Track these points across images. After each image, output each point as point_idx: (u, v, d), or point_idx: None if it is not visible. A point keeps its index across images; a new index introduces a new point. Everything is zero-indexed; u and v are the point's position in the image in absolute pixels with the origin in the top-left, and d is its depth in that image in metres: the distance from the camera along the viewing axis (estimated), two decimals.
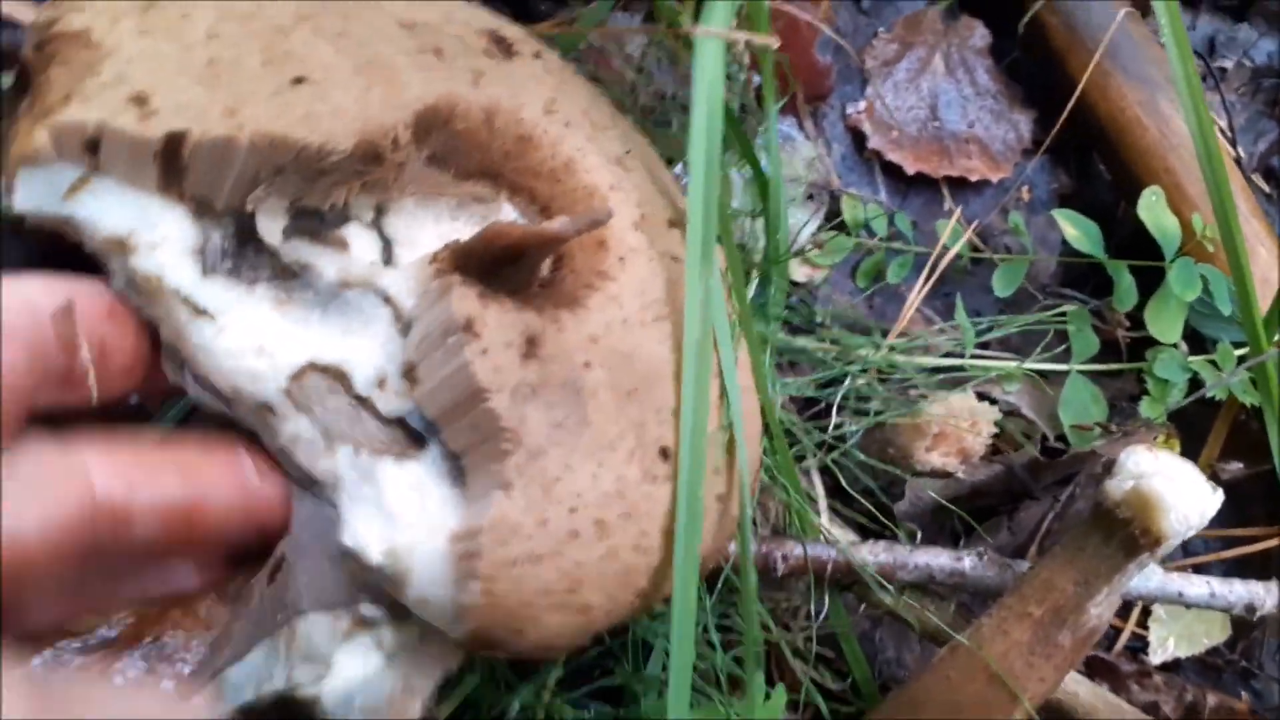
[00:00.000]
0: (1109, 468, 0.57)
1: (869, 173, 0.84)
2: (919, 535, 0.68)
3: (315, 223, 0.42)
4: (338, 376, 0.39)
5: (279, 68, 0.42)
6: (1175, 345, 0.75)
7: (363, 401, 0.39)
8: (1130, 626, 0.82)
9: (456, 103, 0.46)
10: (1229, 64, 0.91)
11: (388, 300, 0.40)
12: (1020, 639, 0.57)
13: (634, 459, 0.40)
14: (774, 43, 0.56)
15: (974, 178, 0.83)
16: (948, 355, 0.79)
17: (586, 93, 0.54)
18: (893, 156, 0.83)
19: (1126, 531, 0.54)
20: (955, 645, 0.60)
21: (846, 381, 0.69)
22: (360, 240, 0.43)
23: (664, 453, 0.41)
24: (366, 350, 0.40)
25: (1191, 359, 0.74)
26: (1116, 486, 0.55)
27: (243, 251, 0.41)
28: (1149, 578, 0.61)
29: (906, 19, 0.86)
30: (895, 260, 0.80)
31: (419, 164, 0.46)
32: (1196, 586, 0.62)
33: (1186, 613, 0.81)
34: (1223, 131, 0.89)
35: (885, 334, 0.80)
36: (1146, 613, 0.81)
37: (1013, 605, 0.58)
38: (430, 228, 0.45)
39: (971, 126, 0.85)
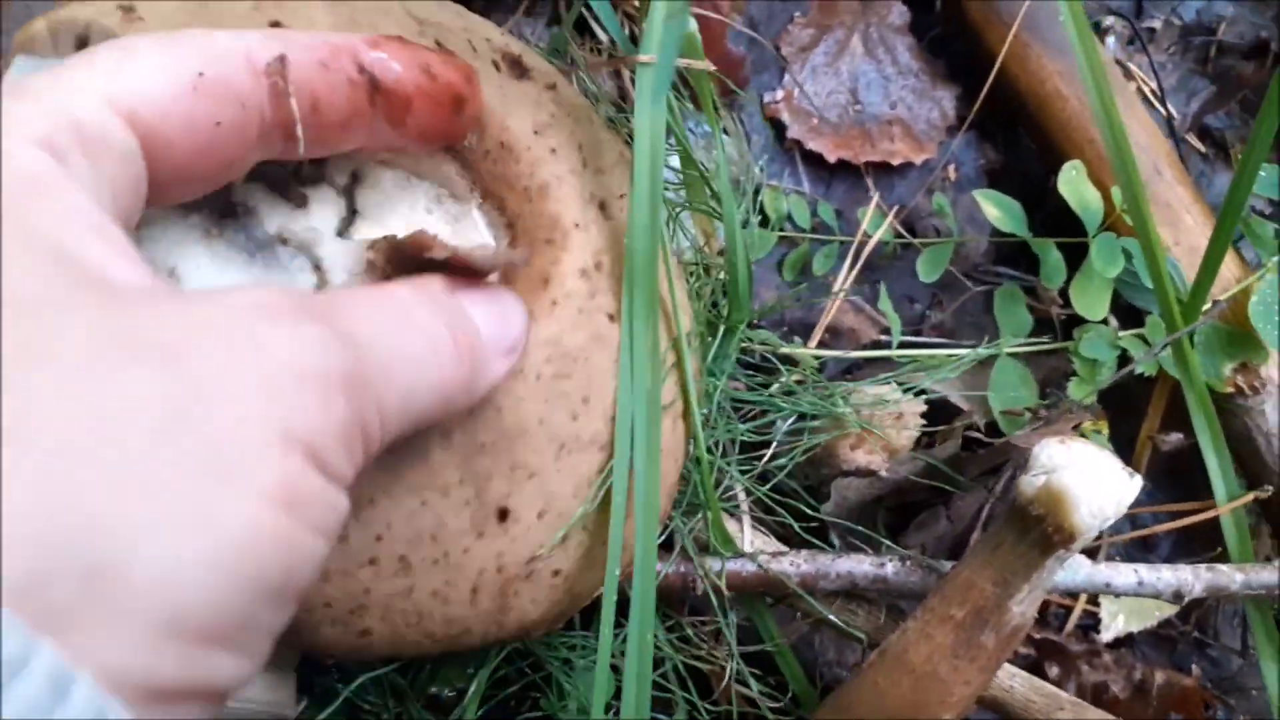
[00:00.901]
0: None
1: (790, 163, 0.82)
2: (845, 537, 0.67)
3: (284, 173, 0.43)
4: None
5: (264, 14, 0.45)
6: (1104, 321, 0.74)
7: None
8: (1081, 604, 0.81)
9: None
10: (1157, 24, 0.89)
11: (318, 268, 0.40)
12: (943, 642, 0.56)
13: (465, 510, 0.39)
14: (709, 67, 0.54)
15: (896, 161, 0.81)
16: (875, 346, 0.78)
17: (593, 134, 0.53)
18: (813, 145, 0.81)
19: (1040, 529, 0.53)
20: (881, 650, 0.59)
21: (781, 410, 0.67)
22: (324, 206, 0.43)
23: (502, 514, 0.40)
24: None
25: (1121, 334, 0.73)
26: (1029, 483, 0.53)
27: None
28: (1075, 571, 0.60)
29: (821, 1, 0.83)
30: (820, 251, 0.78)
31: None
32: (1124, 575, 0.61)
33: None
34: (1153, 93, 0.87)
35: (813, 327, 0.78)
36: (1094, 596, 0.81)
37: (935, 608, 0.57)
38: (403, 213, 0.46)
39: (894, 107, 0.83)
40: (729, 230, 0.58)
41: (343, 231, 0.43)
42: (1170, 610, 0.80)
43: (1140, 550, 0.84)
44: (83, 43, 0.48)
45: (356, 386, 0.28)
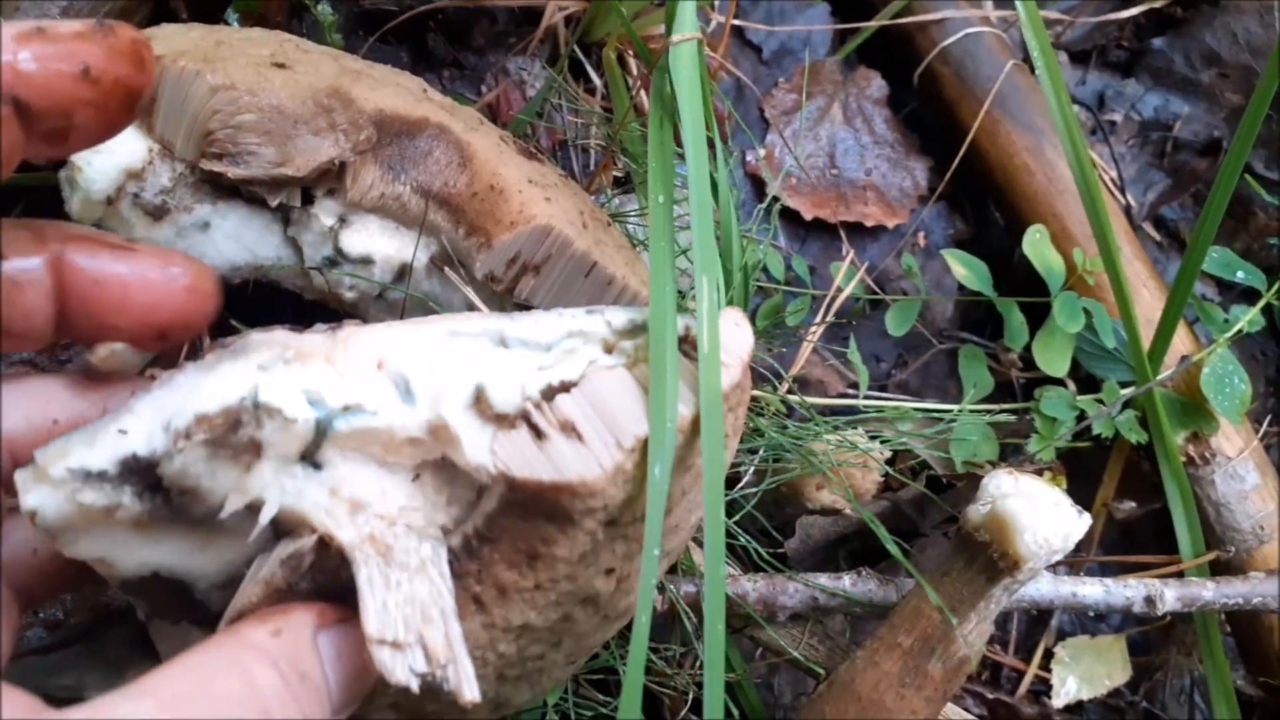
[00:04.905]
0: None
1: (767, 218, 0.85)
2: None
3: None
4: (176, 583, 0.41)
5: (269, 57, 0.52)
6: (1063, 382, 0.76)
7: (195, 602, 0.41)
8: (1033, 669, 0.82)
9: (429, 122, 0.54)
10: (1118, 118, 0.94)
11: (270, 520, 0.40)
12: (890, 670, 0.57)
13: None
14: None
15: (870, 223, 0.85)
16: (842, 397, 0.80)
17: (596, 209, 0.59)
18: (791, 202, 0.84)
19: (986, 555, 0.54)
20: (831, 680, 0.59)
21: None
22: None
23: None
24: (222, 560, 0.41)
25: (1079, 398, 0.75)
26: (976, 510, 0.55)
27: (184, 192, 0.52)
28: (1040, 583, 0.61)
29: (805, 69, 0.88)
30: (793, 302, 0.81)
31: (374, 165, 0.53)
32: (1090, 587, 0.62)
33: (1088, 653, 0.81)
34: (1113, 182, 0.92)
35: (782, 376, 0.80)
36: (1049, 655, 0.81)
37: (884, 636, 0.58)
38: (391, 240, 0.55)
39: (869, 174, 0.87)
40: (728, 254, 0.60)
41: (308, 454, 0.39)
42: (1120, 680, 0.81)
43: (1092, 618, 0.84)
44: None
45: None
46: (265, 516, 0.37)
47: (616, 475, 0.39)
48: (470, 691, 0.36)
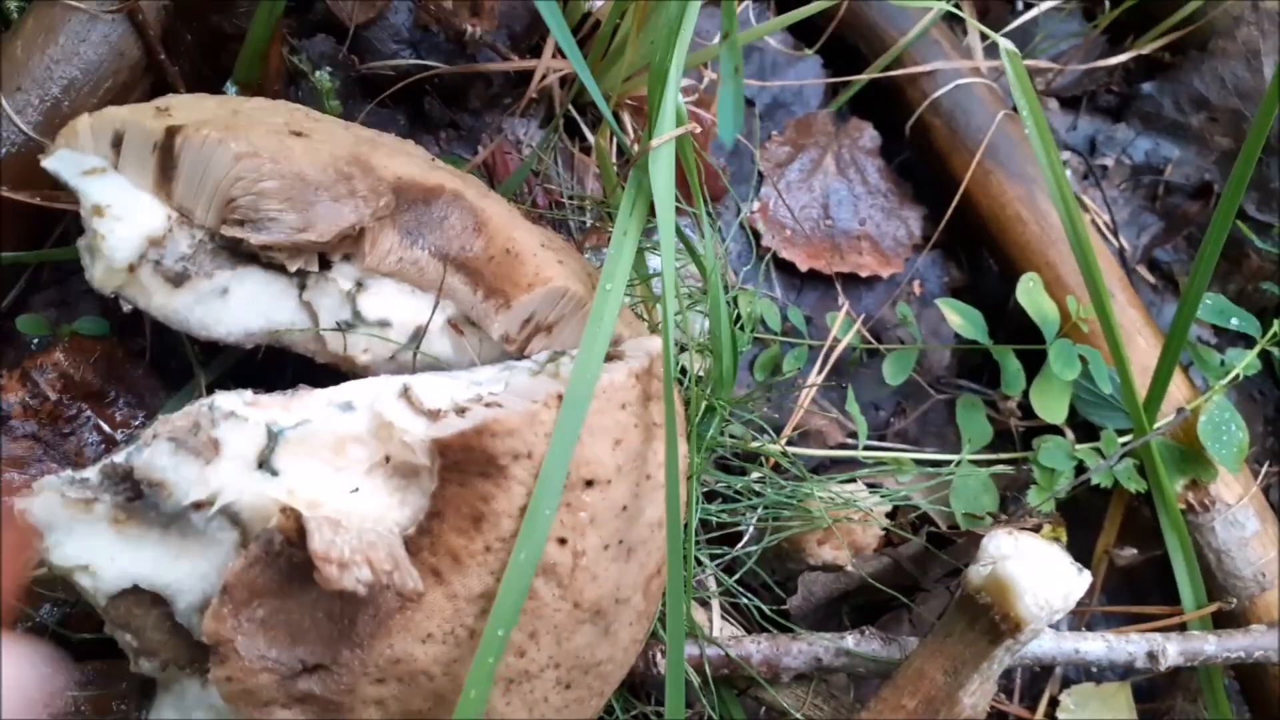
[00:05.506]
0: None
1: (764, 270, 0.86)
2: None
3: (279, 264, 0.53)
4: (157, 602, 0.44)
5: (285, 125, 0.54)
6: (1060, 430, 0.76)
7: (178, 629, 0.45)
8: (1039, 718, 0.81)
9: (444, 188, 0.55)
10: (1109, 162, 0.95)
11: (237, 523, 0.44)
12: None
13: None
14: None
15: (865, 273, 0.85)
16: (842, 447, 0.80)
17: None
18: (786, 254, 0.85)
19: (987, 617, 0.54)
20: None
21: (749, 492, 0.69)
22: (239, 443, 0.45)
23: None
24: (197, 575, 0.44)
25: (1078, 447, 0.76)
26: (977, 572, 0.55)
27: (203, 259, 0.53)
28: (1042, 640, 0.62)
29: (798, 121, 0.89)
30: (790, 353, 0.81)
31: (392, 231, 0.55)
32: (1092, 642, 0.62)
33: (1093, 701, 0.80)
34: (1106, 226, 0.93)
35: (781, 428, 0.81)
36: (1054, 704, 0.81)
37: (887, 698, 0.58)
38: (408, 303, 0.55)
39: (863, 224, 0.88)
40: (715, 315, 0.61)
41: (264, 460, 0.45)
42: None
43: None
44: (118, 140, 0.54)
45: None
46: (222, 500, 0.43)
47: (532, 418, 0.44)
48: (414, 580, 0.41)
